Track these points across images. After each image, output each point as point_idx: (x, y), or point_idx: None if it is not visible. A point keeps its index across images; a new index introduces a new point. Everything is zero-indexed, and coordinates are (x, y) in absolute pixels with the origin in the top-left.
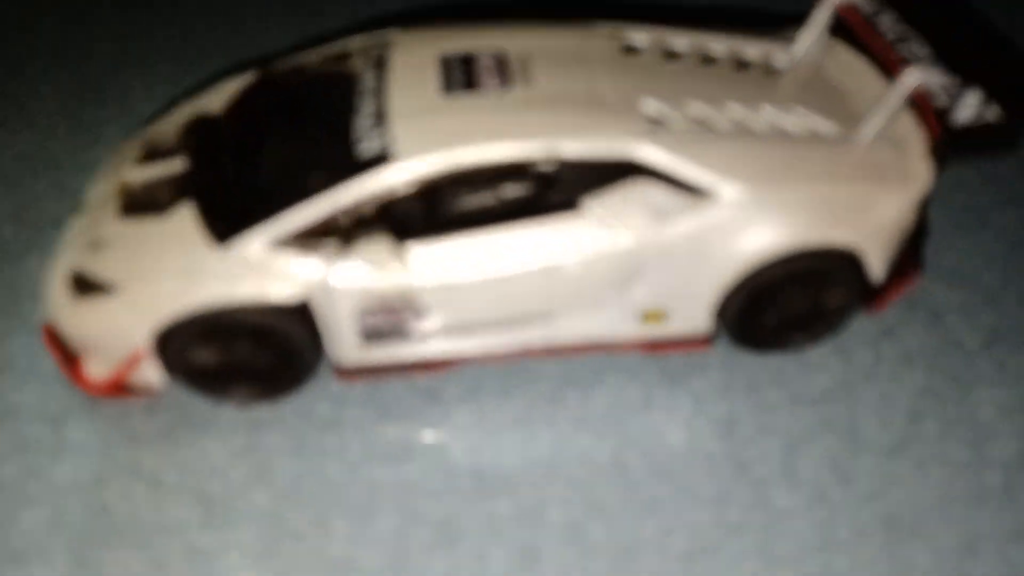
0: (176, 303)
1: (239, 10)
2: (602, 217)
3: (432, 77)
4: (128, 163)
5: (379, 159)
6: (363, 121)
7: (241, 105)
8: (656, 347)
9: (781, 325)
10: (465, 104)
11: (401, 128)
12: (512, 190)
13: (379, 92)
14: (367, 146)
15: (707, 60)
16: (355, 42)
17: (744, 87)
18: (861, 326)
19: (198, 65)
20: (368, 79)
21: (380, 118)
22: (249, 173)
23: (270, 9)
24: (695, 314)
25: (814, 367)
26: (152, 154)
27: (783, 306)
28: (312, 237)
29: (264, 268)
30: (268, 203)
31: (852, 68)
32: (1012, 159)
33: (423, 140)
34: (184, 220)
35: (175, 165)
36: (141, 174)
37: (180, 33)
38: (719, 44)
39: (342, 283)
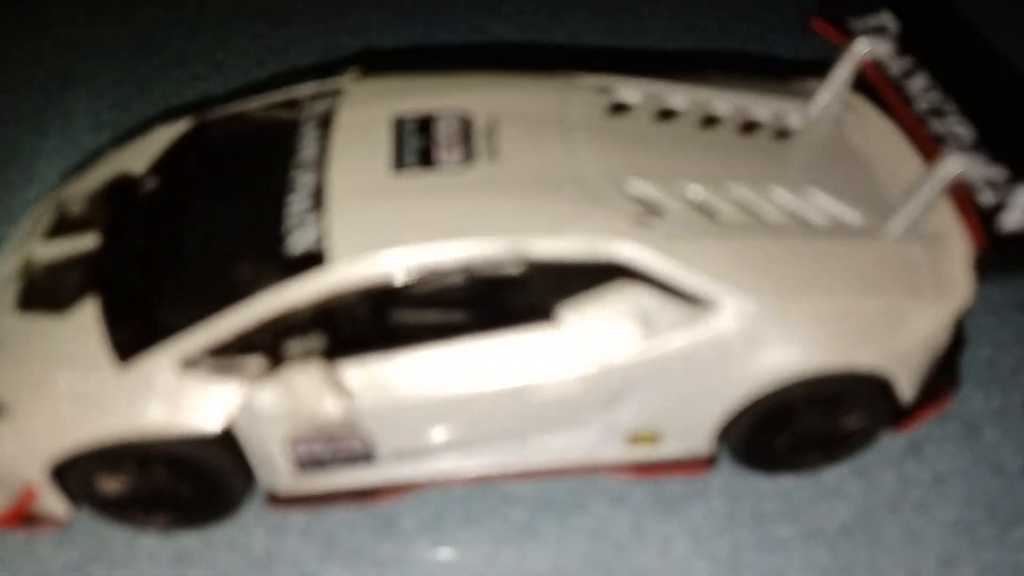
0: (72, 435)
1: (199, 30)
2: (581, 329)
3: (382, 146)
4: (38, 232)
5: (312, 258)
6: (298, 202)
7: (167, 165)
8: (647, 471)
9: (793, 447)
10: (418, 186)
11: (340, 217)
12: (473, 296)
13: (320, 163)
14: (300, 239)
15: (709, 121)
16: (304, 89)
17: (753, 160)
18: (884, 441)
19: (151, 86)
20: (309, 142)
21: (318, 200)
22: (163, 263)
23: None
24: (693, 436)
25: (830, 493)
26: (63, 224)
27: (796, 429)
28: (233, 353)
29: (175, 393)
30: (180, 310)
31: (877, 132)
32: None
33: (365, 235)
34: (86, 324)
35: (86, 242)
36: (47, 251)
37: (131, 49)
38: (723, 102)
39: (268, 410)
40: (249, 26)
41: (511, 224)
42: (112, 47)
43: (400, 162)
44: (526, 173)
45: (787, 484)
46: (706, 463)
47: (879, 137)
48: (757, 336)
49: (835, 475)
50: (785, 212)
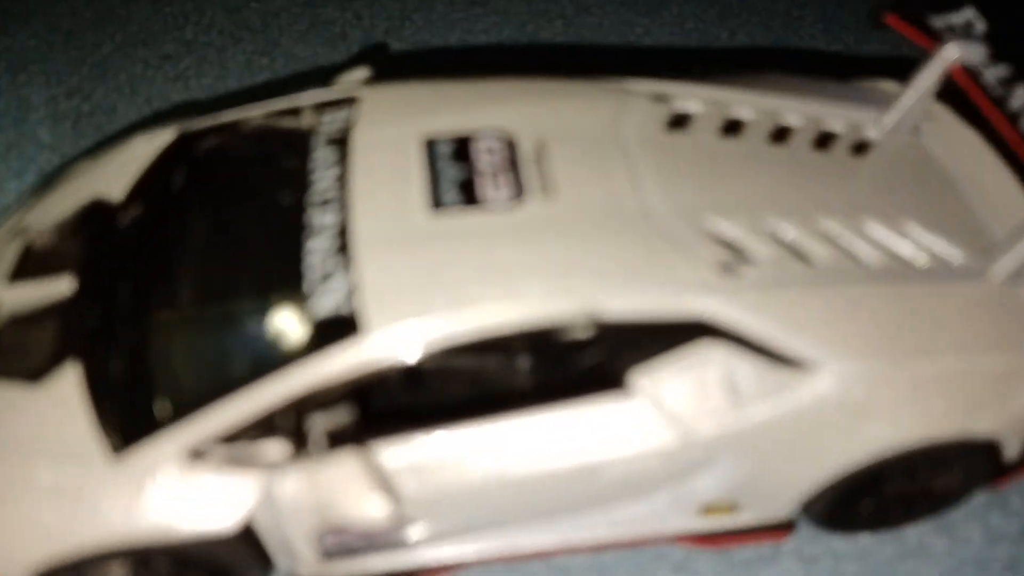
0: (59, 543)
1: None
2: (656, 399)
3: (414, 176)
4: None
5: (342, 324)
6: (320, 249)
7: (149, 188)
8: (718, 540)
9: (877, 507)
10: (463, 232)
11: (373, 272)
12: (533, 363)
13: (341, 197)
14: (326, 298)
15: (779, 133)
16: (309, 96)
17: (837, 185)
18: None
19: (114, 68)
20: (325, 168)
21: (343, 246)
22: (157, 321)
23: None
24: (775, 505)
25: (914, 552)
26: (30, 262)
27: (885, 491)
28: (249, 437)
29: (182, 491)
30: (183, 386)
31: (960, 145)
32: None
33: (406, 297)
34: (68, 400)
35: (59, 288)
36: (13, 298)
37: (88, 24)
38: (793, 111)
39: (293, 502)
40: None
41: (577, 279)
42: (67, 22)
43: (438, 199)
44: (588, 211)
45: (866, 543)
46: (784, 529)
47: (963, 150)
48: (860, 403)
49: (917, 532)
50: (882, 251)
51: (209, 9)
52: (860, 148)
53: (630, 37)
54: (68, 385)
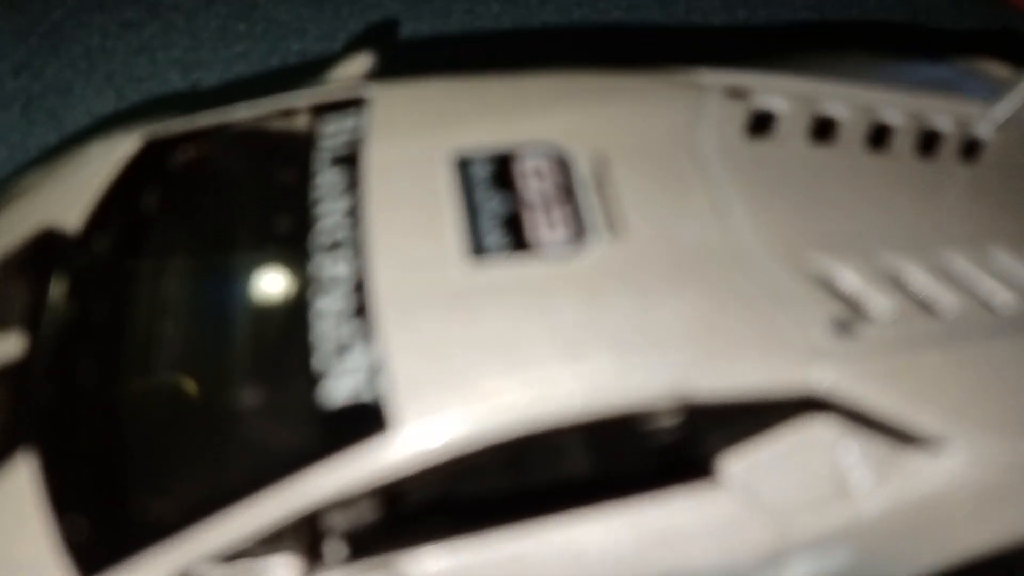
0: None
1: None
2: (751, 490)
3: (447, 213)
4: None
5: (365, 418)
6: (329, 312)
7: (111, 214)
8: None
9: None
10: (512, 289)
11: (402, 347)
12: (599, 448)
13: (354, 244)
14: (342, 382)
15: (877, 134)
16: (307, 95)
17: (955, 203)
18: None
19: (67, 38)
20: (331, 197)
21: (360, 311)
22: (130, 399)
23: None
24: None
25: None
26: None
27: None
28: (252, 554)
29: None
30: (168, 491)
31: None
32: None
33: (446, 380)
34: (21, 503)
35: (6, 348)
36: None
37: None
38: (892, 106)
39: None
40: None
41: (660, 351)
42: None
43: (479, 243)
44: (667, 256)
45: None
46: None
47: None
48: (995, 486)
49: None
50: (1015, 289)
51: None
52: (970, 149)
53: None
54: (20, 482)
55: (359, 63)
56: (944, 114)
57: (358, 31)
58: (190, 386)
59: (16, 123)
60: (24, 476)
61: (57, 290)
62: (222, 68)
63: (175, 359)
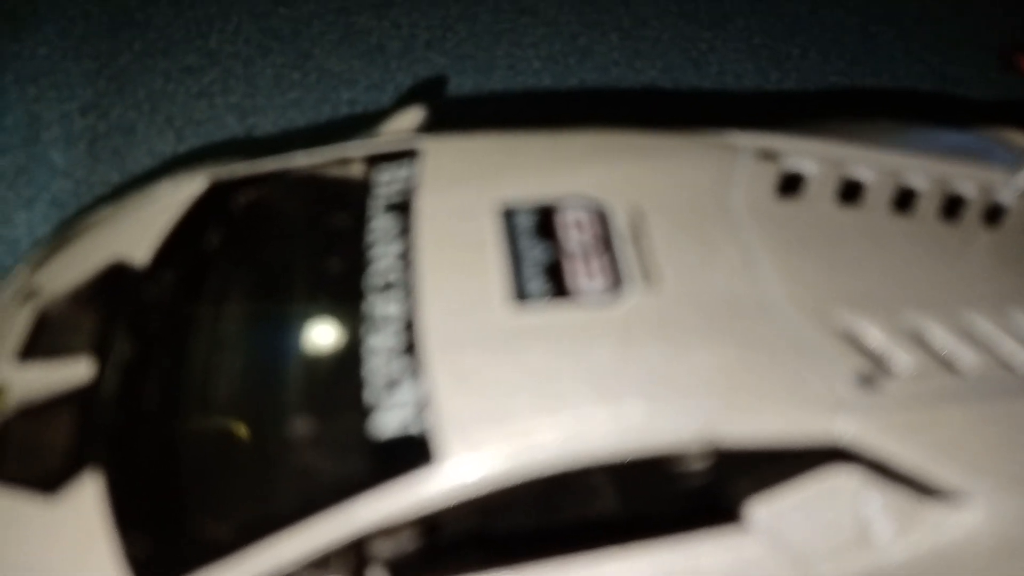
0: None
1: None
2: (777, 535)
3: (492, 257)
4: (6, 347)
5: (412, 450)
6: (380, 349)
7: (178, 251)
8: None
9: None
10: (554, 333)
11: (449, 384)
12: (630, 490)
13: (405, 286)
14: (391, 418)
15: (903, 198)
16: (361, 146)
17: (978, 267)
18: None
19: (132, 81)
20: (385, 242)
21: (410, 349)
22: (191, 428)
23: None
24: None
25: None
26: (42, 338)
27: None
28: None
29: None
30: (223, 514)
31: None
32: None
33: (490, 416)
34: (87, 520)
35: (77, 372)
36: (23, 382)
37: (104, 30)
38: (918, 172)
39: None
40: (246, 1)
41: (692, 397)
42: (80, 26)
43: (522, 289)
44: (700, 307)
45: None
46: None
47: None
48: (1012, 542)
49: None
50: None
51: (235, 15)
52: (992, 214)
53: (692, 53)
54: (87, 501)
55: (411, 116)
56: (968, 180)
57: (406, 83)
58: (249, 415)
59: (82, 159)
60: (90, 493)
61: (125, 320)
62: (276, 114)
63: (235, 390)
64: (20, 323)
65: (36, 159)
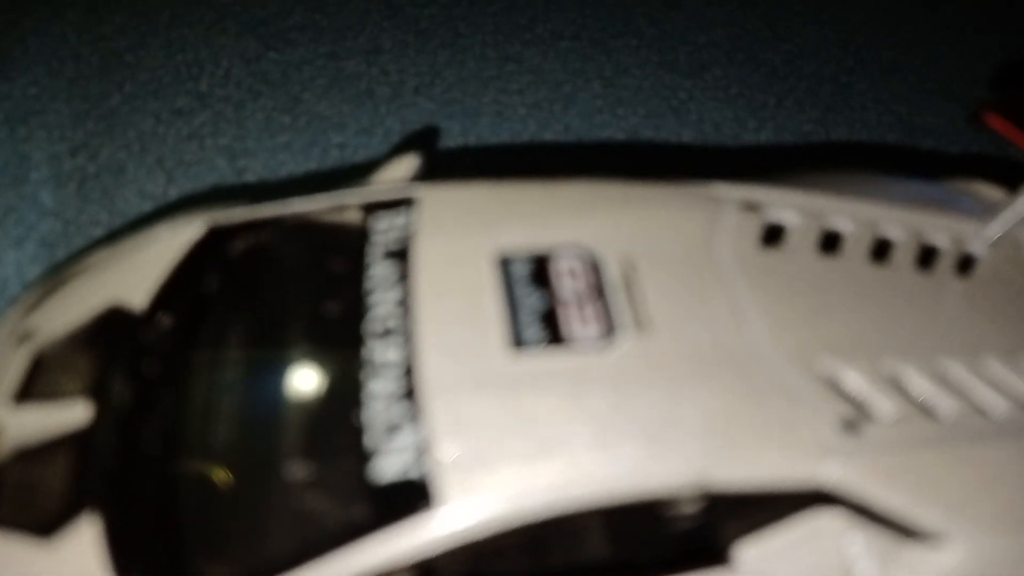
0: None
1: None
2: (765, 575)
3: (490, 307)
4: (3, 389)
5: (412, 495)
6: (380, 395)
7: (176, 295)
8: None
9: None
10: (550, 379)
11: (448, 430)
12: (619, 532)
13: (404, 332)
14: (391, 463)
15: (880, 248)
16: (359, 194)
17: (953, 316)
18: None
19: (122, 123)
20: (382, 292)
21: (409, 394)
22: (189, 472)
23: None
24: None
25: None
26: (39, 380)
27: None
28: None
29: None
30: (222, 560)
31: None
32: None
33: (488, 462)
34: (84, 565)
35: (74, 416)
36: (19, 425)
37: (94, 72)
38: (894, 224)
39: None
40: (237, 45)
41: (682, 442)
42: (70, 67)
43: (519, 336)
44: (689, 354)
45: None
46: None
47: None
48: None
49: None
50: (1009, 397)
51: (225, 58)
52: (966, 265)
53: (672, 102)
54: (84, 545)
55: (406, 164)
56: (941, 231)
57: (395, 127)
58: (248, 459)
59: (71, 200)
60: (87, 537)
61: (122, 364)
62: (266, 156)
63: (234, 434)
64: (16, 365)
65: (25, 199)
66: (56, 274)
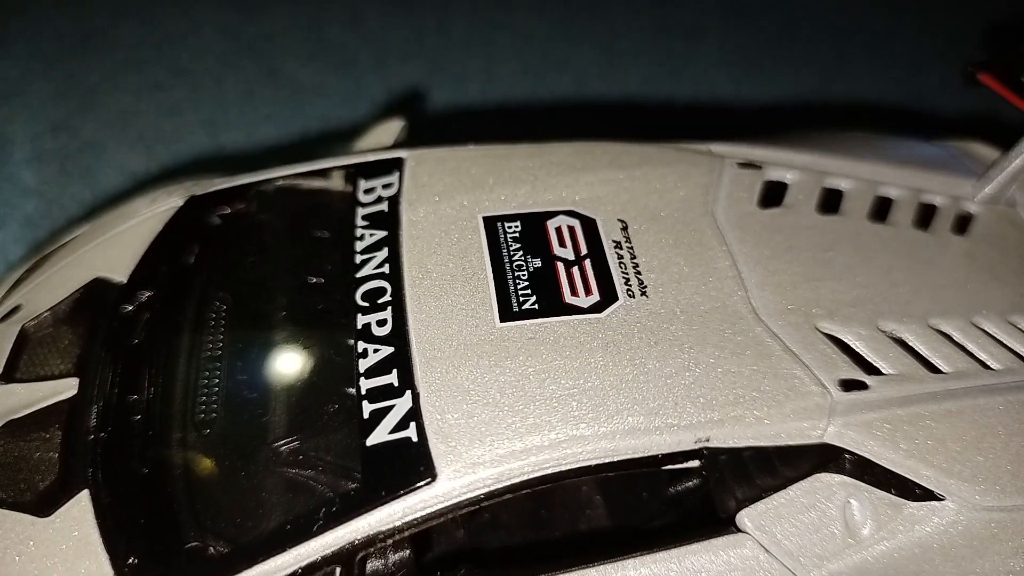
0: None
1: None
2: (769, 541)
3: (481, 272)
4: None
5: (404, 467)
6: (371, 363)
7: (158, 266)
8: None
9: None
10: (545, 344)
11: (440, 399)
12: (624, 503)
13: (394, 299)
14: (382, 434)
15: (880, 207)
16: (344, 158)
17: (950, 275)
18: None
19: (101, 100)
20: (368, 257)
21: (401, 362)
22: (180, 446)
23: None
24: None
25: None
26: (26, 357)
27: None
28: None
29: None
30: (218, 532)
31: None
32: None
33: (481, 429)
34: (80, 543)
35: (58, 390)
36: (8, 402)
37: (73, 48)
38: (893, 182)
39: None
40: (216, 16)
41: (683, 404)
42: (52, 47)
43: (510, 301)
44: (690, 315)
45: None
46: None
47: None
48: (988, 537)
49: None
50: (1005, 353)
51: (204, 29)
52: (963, 223)
53: (668, 65)
54: (79, 522)
55: (390, 129)
56: (938, 190)
57: (380, 95)
58: (239, 432)
59: (54, 178)
60: (78, 512)
61: (107, 337)
62: (249, 129)
63: (224, 406)
64: (1, 342)
65: (7, 179)
66: (36, 251)
